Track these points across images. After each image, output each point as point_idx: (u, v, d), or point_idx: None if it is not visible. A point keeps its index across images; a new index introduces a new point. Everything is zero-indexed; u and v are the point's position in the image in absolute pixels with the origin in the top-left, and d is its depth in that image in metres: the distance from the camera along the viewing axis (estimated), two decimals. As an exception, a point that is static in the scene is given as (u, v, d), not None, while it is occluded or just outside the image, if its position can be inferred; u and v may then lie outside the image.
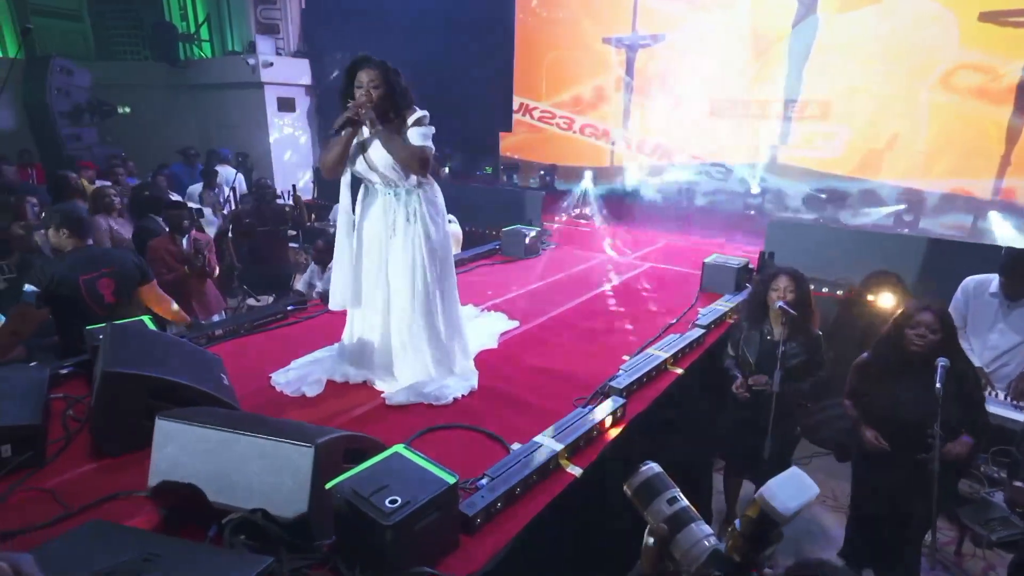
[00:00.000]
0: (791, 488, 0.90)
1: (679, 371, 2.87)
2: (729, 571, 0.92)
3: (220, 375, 2.24)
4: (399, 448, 1.69)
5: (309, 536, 1.54)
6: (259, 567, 1.31)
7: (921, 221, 5.88)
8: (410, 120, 2.47)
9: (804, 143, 6.50)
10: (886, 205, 6.09)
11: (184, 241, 4.21)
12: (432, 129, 2.52)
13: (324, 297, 3.43)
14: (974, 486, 3.16)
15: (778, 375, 2.78)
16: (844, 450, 2.99)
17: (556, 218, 7.13)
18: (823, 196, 6.29)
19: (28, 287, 2.68)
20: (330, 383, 2.63)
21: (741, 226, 6.38)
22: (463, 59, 8.17)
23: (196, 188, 6.95)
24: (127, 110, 9.69)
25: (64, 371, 2.53)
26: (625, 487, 1.05)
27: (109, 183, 5.68)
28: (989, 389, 3.27)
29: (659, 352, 2.87)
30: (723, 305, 3.67)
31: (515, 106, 8.42)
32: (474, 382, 2.66)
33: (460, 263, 4.30)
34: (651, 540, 1.01)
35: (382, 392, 2.57)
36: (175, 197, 5.12)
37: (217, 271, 4.47)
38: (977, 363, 3.23)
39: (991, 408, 2.92)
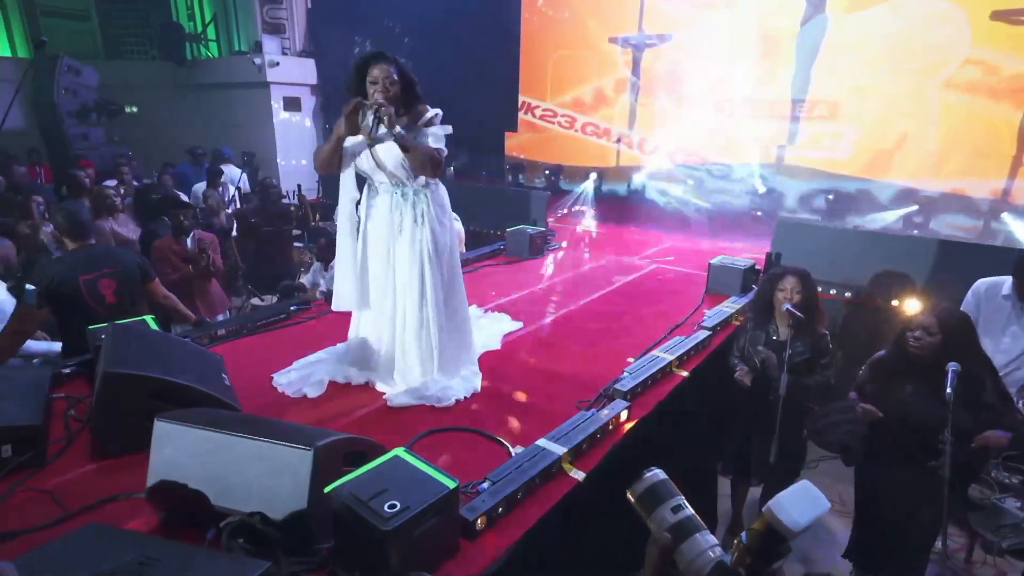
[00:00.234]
0: (801, 502, 0.86)
1: (684, 374, 2.84)
2: None
3: (222, 375, 2.23)
4: (399, 451, 1.67)
5: (307, 539, 1.53)
6: (256, 571, 1.29)
7: (931, 222, 5.81)
8: (425, 118, 2.43)
9: (812, 143, 6.43)
10: (895, 206, 6.02)
11: (188, 240, 4.22)
12: (448, 128, 2.49)
13: (329, 297, 3.41)
14: (985, 491, 3.11)
15: (784, 378, 2.75)
16: (851, 453, 2.96)
17: (561, 218, 7.10)
18: (831, 197, 6.23)
19: (29, 286, 2.67)
20: (332, 384, 2.61)
21: (748, 227, 6.33)
22: (468, 58, 8.15)
23: (200, 187, 6.98)
24: (134, 109, 9.76)
25: (66, 371, 2.52)
26: (628, 493, 1.03)
27: (115, 182, 5.71)
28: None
29: (664, 354, 2.84)
30: (729, 307, 3.63)
31: (519, 105, 8.40)
32: (477, 384, 2.64)
33: (464, 263, 4.27)
34: (654, 549, 0.99)
35: (384, 394, 2.55)
36: (183, 197, 5.14)
37: (222, 269, 4.47)
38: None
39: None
